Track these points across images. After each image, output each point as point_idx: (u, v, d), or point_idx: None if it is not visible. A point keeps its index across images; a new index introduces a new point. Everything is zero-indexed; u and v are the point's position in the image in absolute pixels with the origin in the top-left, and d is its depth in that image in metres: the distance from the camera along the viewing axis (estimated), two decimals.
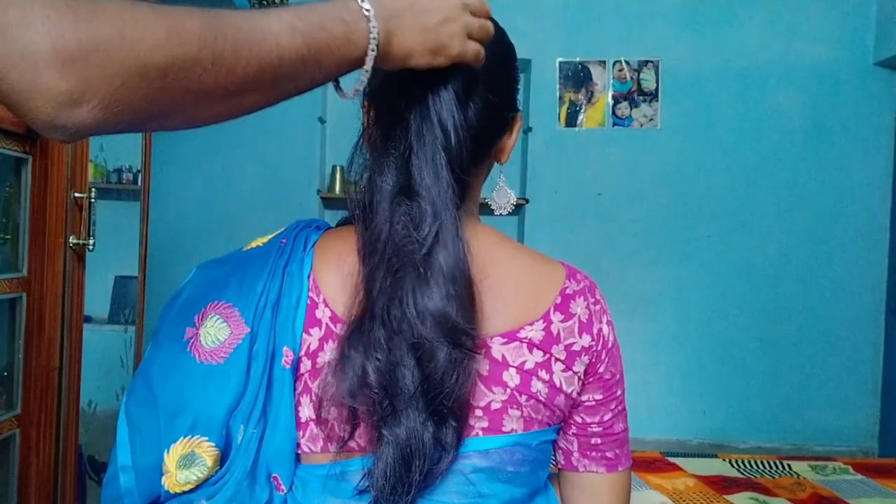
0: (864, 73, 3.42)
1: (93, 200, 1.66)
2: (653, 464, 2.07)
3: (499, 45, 0.71)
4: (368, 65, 0.57)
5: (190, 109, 0.49)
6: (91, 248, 1.67)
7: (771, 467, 2.11)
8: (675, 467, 2.05)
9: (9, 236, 1.58)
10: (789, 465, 2.12)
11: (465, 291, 0.63)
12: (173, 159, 3.36)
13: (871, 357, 3.45)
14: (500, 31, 0.72)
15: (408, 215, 0.63)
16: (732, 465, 2.10)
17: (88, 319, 1.79)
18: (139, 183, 2.07)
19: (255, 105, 0.54)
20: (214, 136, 3.47)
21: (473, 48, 0.63)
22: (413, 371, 0.62)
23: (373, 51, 0.57)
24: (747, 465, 2.12)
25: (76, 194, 1.62)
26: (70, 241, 1.62)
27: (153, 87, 0.45)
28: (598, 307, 0.72)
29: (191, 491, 0.65)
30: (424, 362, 0.61)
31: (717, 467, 2.08)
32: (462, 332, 0.62)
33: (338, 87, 0.63)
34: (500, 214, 0.81)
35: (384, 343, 0.62)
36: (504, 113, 0.73)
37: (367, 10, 0.56)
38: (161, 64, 0.44)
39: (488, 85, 0.69)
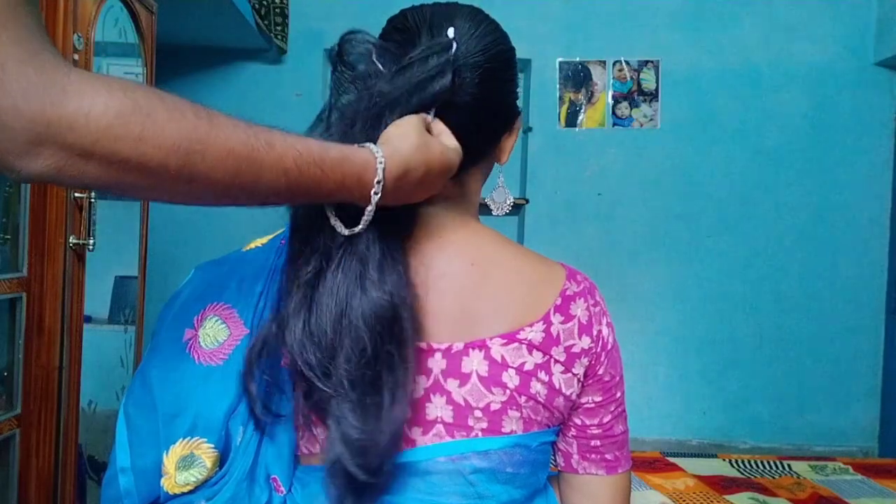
0: (864, 73, 3.42)
1: (93, 200, 1.66)
2: (653, 464, 2.07)
3: (499, 54, 0.69)
4: (363, 223, 0.59)
5: (145, 192, 0.49)
6: (91, 248, 1.67)
7: (771, 467, 2.11)
8: (675, 467, 2.05)
9: (9, 236, 1.58)
10: (789, 465, 2.13)
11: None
12: None
13: (871, 357, 3.45)
14: (502, 34, 0.71)
15: None
16: (732, 465, 2.11)
17: (88, 319, 1.78)
18: None
19: (214, 205, 0.53)
20: None
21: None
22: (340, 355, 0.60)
23: (365, 221, 0.59)
24: (747, 465, 2.12)
25: (76, 194, 1.62)
26: (70, 241, 1.62)
27: (109, 169, 0.44)
28: (597, 309, 0.72)
29: (190, 492, 0.65)
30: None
31: (717, 467, 2.08)
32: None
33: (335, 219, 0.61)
34: (498, 215, 0.81)
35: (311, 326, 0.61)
36: (495, 124, 0.73)
37: (375, 196, 0.57)
38: (123, 155, 0.44)
39: (482, 96, 0.68)
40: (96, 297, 1.92)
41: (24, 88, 0.41)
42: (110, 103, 0.43)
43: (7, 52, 0.41)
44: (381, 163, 0.56)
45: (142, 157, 0.44)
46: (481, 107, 0.68)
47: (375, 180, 0.56)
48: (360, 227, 0.58)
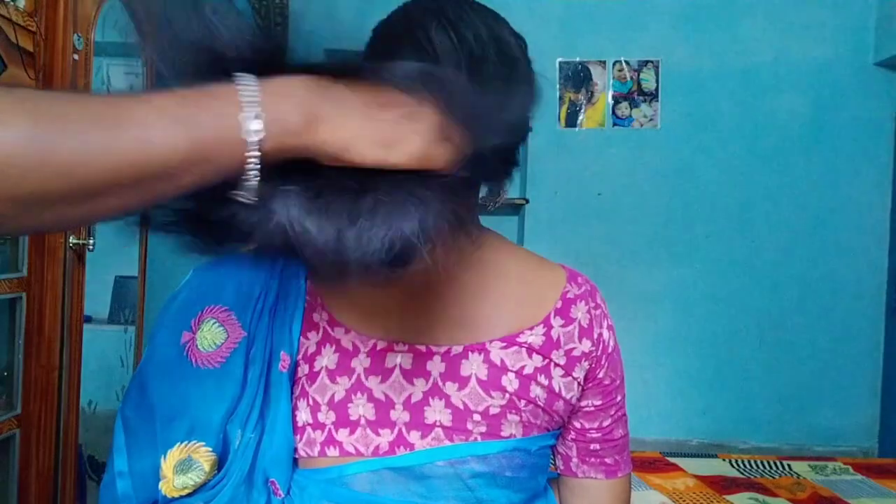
0: (864, 73, 3.42)
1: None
2: (653, 464, 2.07)
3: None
4: (251, 168, 0.43)
5: (11, 218, 0.39)
6: (91, 248, 1.67)
7: (771, 467, 2.11)
8: (675, 467, 2.05)
9: (9, 236, 1.58)
10: (789, 465, 2.13)
11: None
12: None
13: (871, 357, 3.45)
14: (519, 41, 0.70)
15: None
16: (732, 465, 2.11)
17: (88, 319, 1.79)
18: None
19: (116, 211, 0.42)
20: None
21: (446, 153, 0.49)
22: None
23: (254, 152, 0.43)
24: (747, 465, 2.12)
25: None
26: (70, 241, 1.62)
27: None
28: (598, 311, 0.72)
29: (188, 496, 0.65)
30: None
31: (717, 467, 2.08)
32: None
33: None
34: (490, 209, 0.80)
35: None
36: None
37: (248, 94, 0.43)
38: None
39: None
40: (96, 297, 1.92)
41: None
42: None
43: None
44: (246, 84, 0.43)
45: None
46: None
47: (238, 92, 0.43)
48: (248, 180, 0.44)
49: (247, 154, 0.42)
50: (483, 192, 0.78)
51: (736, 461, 2.15)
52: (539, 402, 0.67)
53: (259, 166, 0.43)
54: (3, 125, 0.37)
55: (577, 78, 3.48)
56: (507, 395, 0.66)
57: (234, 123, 0.42)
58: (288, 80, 0.45)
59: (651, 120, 3.47)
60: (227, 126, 0.42)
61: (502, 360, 0.66)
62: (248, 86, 0.43)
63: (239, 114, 0.42)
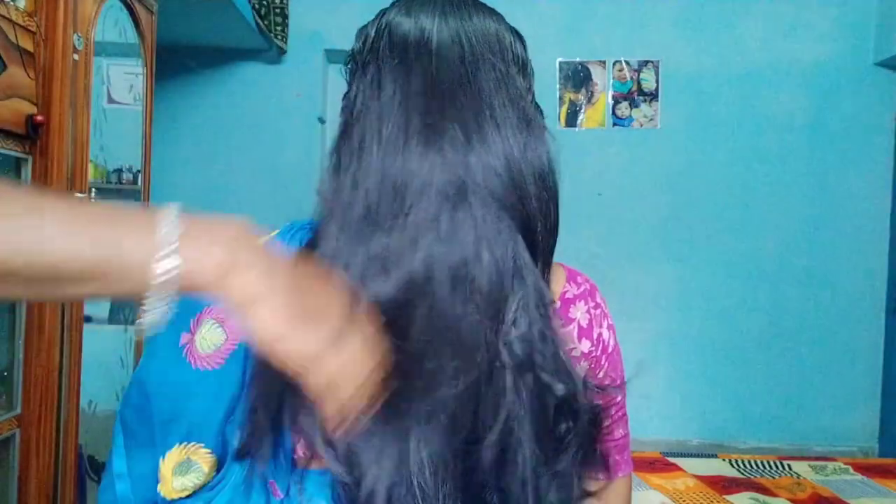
0: (864, 73, 3.42)
1: (93, 200, 1.66)
2: (653, 464, 2.07)
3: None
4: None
5: None
6: None
7: (771, 467, 2.11)
8: (675, 467, 2.05)
9: None
10: (789, 465, 2.13)
11: None
12: (173, 159, 3.36)
13: (871, 357, 3.45)
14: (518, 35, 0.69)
15: None
16: (732, 465, 2.11)
17: (88, 319, 1.78)
18: (139, 183, 2.07)
19: (21, 297, 0.44)
20: (215, 137, 3.47)
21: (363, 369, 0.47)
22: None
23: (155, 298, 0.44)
24: (747, 465, 2.12)
25: (76, 194, 1.62)
26: None
27: None
28: (598, 311, 0.71)
29: (187, 497, 0.65)
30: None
31: (717, 467, 2.08)
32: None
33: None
34: None
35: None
36: None
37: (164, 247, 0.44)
38: None
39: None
40: None
41: None
42: None
43: None
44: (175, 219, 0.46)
45: None
46: None
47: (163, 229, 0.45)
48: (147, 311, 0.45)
49: (149, 291, 0.43)
50: None
51: (736, 461, 2.15)
52: None
53: (159, 302, 0.44)
54: None
55: (577, 78, 3.48)
56: None
57: (144, 258, 0.43)
58: (216, 223, 0.48)
59: (651, 120, 3.47)
60: (135, 259, 0.43)
61: None
62: (170, 224, 0.45)
63: (152, 251, 0.43)
